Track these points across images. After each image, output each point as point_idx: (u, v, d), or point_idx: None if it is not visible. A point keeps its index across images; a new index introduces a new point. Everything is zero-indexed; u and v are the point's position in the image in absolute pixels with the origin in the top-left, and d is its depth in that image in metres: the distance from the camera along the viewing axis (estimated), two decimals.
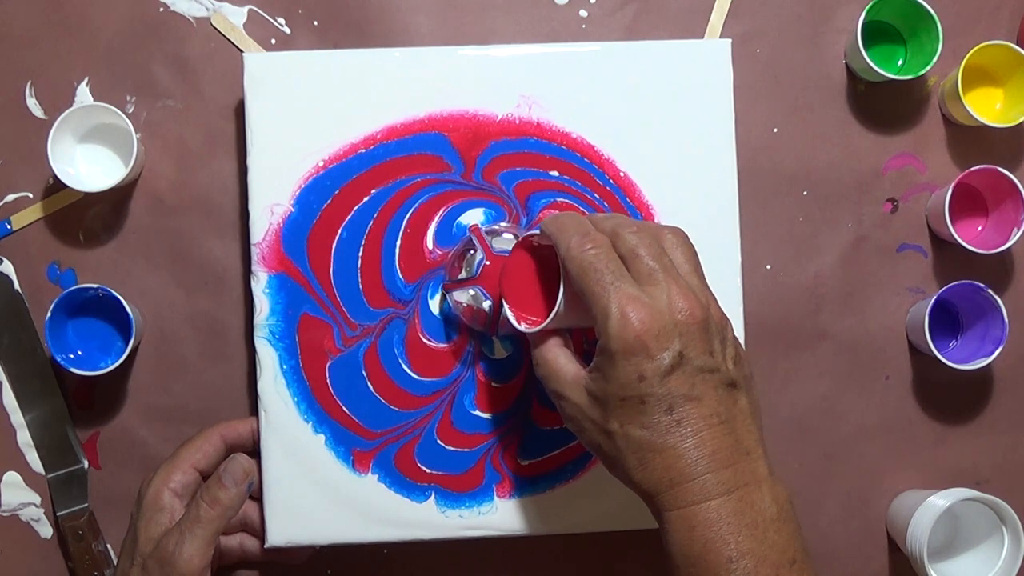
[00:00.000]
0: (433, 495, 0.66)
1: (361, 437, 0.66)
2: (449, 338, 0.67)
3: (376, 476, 0.66)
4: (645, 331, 0.49)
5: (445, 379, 0.67)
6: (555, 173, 0.67)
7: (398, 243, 0.67)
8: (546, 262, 0.57)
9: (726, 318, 0.53)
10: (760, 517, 0.49)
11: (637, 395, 0.49)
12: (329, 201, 0.66)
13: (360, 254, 0.67)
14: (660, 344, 0.49)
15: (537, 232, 0.56)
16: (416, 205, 0.67)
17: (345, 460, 0.66)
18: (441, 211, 0.67)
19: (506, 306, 0.58)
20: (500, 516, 0.66)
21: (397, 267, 0.67)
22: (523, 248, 0.58)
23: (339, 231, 0.66)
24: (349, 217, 0.67)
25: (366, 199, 0.67)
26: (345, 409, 0.66)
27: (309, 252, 0.66)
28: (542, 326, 0.55)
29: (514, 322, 0.57)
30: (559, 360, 0.55)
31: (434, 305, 0.67)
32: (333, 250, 0.66)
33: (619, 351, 0.49)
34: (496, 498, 0.66)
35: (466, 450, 0.66)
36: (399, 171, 0.67)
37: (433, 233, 0.67)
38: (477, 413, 0.67)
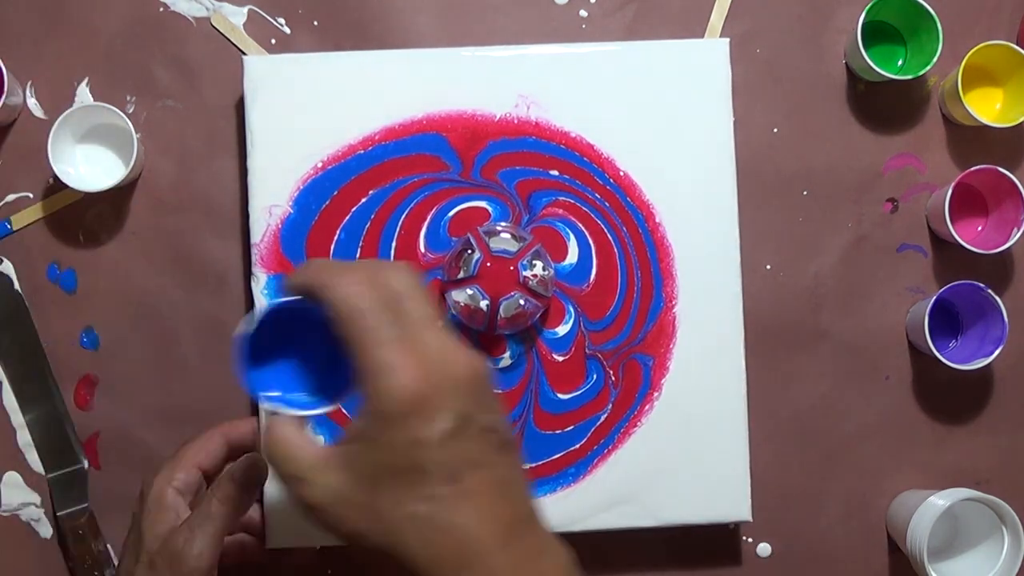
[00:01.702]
0: None
1: None
2: None
3: None
4: (422, 389, 0.42)
5: None
6: (555, 172, 0.67)
7: (393, 244, 0.67)
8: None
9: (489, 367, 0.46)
10: None
11: (413, 464, 0.42)
12: (328, 202, 0.67)
13: (358, 256, 0.67)
14: (439, 404, 0.42)
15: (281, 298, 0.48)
16: (412, 205, 0.67)
17: None
18: (434, 209, 0.67)
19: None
20: None
21: None
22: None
23: (337, 232, 0.66)
24: (347, 218, 0.67)
25: (364, 200, 0.67)
26: (344, 410, 0.66)
27: (308, 253, 0.66)
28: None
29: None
30: (296, 439, 0.45)
31: None
32: (332, 251, 0.66)
33: (391, 413, 0.42)
34: None
35: None
36: (397, 171, 0.67)
37: (424, 235, 0.67)
38: None
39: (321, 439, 0.47)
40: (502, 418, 0.45)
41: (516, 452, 0.45)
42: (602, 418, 0.67)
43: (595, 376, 0.67)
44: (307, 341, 0.48)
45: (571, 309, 0.67)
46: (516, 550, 0.43)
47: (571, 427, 0.67)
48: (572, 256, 0.67)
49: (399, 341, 0.42)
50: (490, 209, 0.67)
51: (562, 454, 0.67)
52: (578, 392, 0.67)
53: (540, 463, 0.67)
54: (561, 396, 0.67)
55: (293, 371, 0.49)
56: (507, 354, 0.67)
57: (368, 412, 0.43)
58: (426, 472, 0.42)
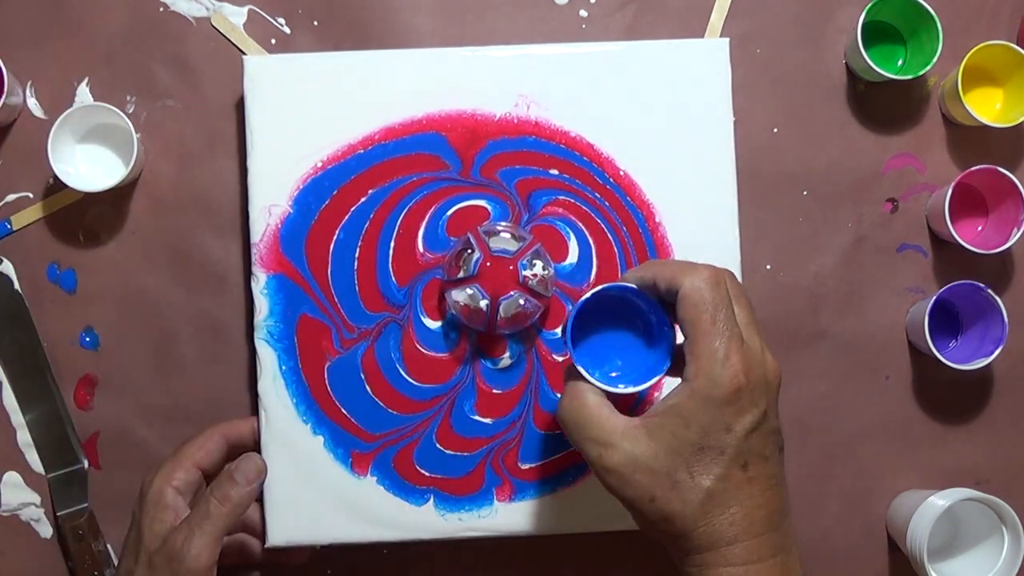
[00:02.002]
0: (432, 498, 0.66)
1: (360, 439, 0.66)
2: (448, 339, 0.67)
3: (375, 478, 0.66)
4: (746, 384, 0.48)
5: (444, 385, 0.67)
6: (555, 171, 0.67)
7: (392, 244, 0.67)
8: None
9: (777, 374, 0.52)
10: None
11: (718, 446, 0.48)
12: (327, 202, 0.67)
13: (356, 255, 0.67)
14: (754, 400, 0.49)
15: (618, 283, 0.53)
16: (411, 204, 0.67)
17: (344, 462, 0.66)
18: (433, 208, 0.67)
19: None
20: (500, 520, 0.66)
21: (391, 269, 0.67)
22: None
23: (336, 232, 0.67)
24: (346, 218, 0.67)
25: (363, 199, 0.67)
26: (344, 411, 0.66)
27: (307, 253, 0.66)
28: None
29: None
30: (602, 408, 0.51)
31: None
32: (331, 251, 0.66)
33: (716, 398, 0.48)
34: (496, 501, 0.66)
35: (466, 454, 0.66)
36: (396, 171, 0.67)
37: (423, 234, 0.67)
38: (477, 418, 0.67)
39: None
40: (780, 422, 0.51)
41: (783, 454, 0.52)
42: None
43: None
44: (616, 328, 0.55)
45: (568, 306, 0.67)
46: (776, 537, 0.50)
47: None
48: (572, 256, 0.67)
49: (733, 337, 0.49)
50: (489, 208, 0.67)
51: (562, 454, 0.67)
52: None
53: (540, 463, 0.67)
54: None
55: (600, 350, 0.55)
56: (507, 354, 0.67)
57: (692, 392, 0.49)
58: (725, 455, 0.48)
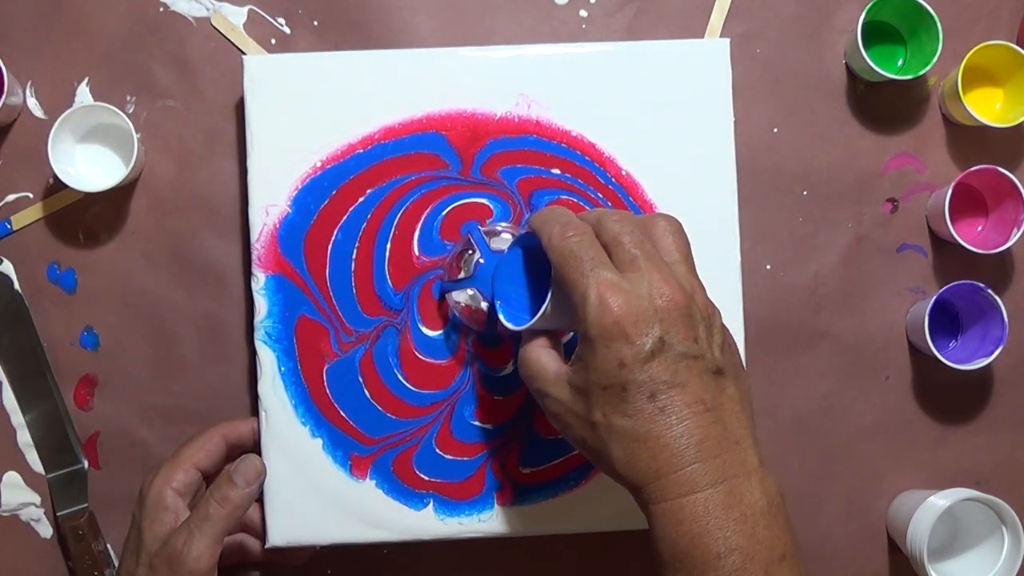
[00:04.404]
0: (432, 503, 0.66)
1: (359, 442, 0.66)
2: (448, 341, 0.66)
3: (374, 482, 0.66)
4: (624, 316, 0.48)
5: (443, 391, 0.66)
6: (557, 171, 0.67)
7: (388, 245, 0.67)
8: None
9: (713, 306, 0.52)
10: (749, 511, 0.48)
11: (618, 382, 0.49)
12: (326, 202, 0.66)
13: (354, 256, 0.66)
14: (640, 330, 0.48)
15: (525, 229, 0.56)
16: (409, 202, 0.67)
17: (343, 465, 0.66)
18: (431, 206, 0.67)
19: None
20: (500, 524, 0.66)
21: (387, 271, 0.66)
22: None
23: (334, 232, 0.66)
24: (344, 218, 0.66)
25: (361, 199, 0.67)
26: (343, 414, 0.66)
27: (306, 254, 0.66)
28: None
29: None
30: (542, 359, 0.54)
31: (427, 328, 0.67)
32: (329, 252, 0.66)
33: (598, 337, 0.49)
34: (496, 506, 0.66)
35: (466, 458, 0.66)
36: (395, 170, 0.67)
37: (421, 231, 0.67)
38: (477, 424, 0.66)
39: (556, 358, 0.54)
40: (710, 348, 0.50)
41: (726, 379, 0.51)
42: None
43: None
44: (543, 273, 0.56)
45: None
46: (715, 465, 0.48)
47: None
48: None
49: (599, 281, 0.49)
50: (491, 206, 0.67)
51: (564, 458, 0.67)
52: None
53: (541, 467, 0.67)
54: None
55: (536, 295, 0.58)
56: (510, 363, 0.67)
57: (582, 337, 0.50)
58: (627, 390, 0.48)
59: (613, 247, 0.51)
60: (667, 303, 0.49)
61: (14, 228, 0.72)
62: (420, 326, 0.66)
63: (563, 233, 0.51)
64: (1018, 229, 0.69)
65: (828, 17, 0.74)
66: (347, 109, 0.67)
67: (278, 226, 0.66)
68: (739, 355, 0.53)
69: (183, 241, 0.72)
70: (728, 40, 0.69)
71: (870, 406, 0.73)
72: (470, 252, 0.64)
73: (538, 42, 0.73)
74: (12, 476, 0.71)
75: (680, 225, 0.54)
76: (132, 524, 0.63)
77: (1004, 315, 0.69)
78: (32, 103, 0.72)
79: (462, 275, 0.63)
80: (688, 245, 0.54)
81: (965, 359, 0.70)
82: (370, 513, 0.66)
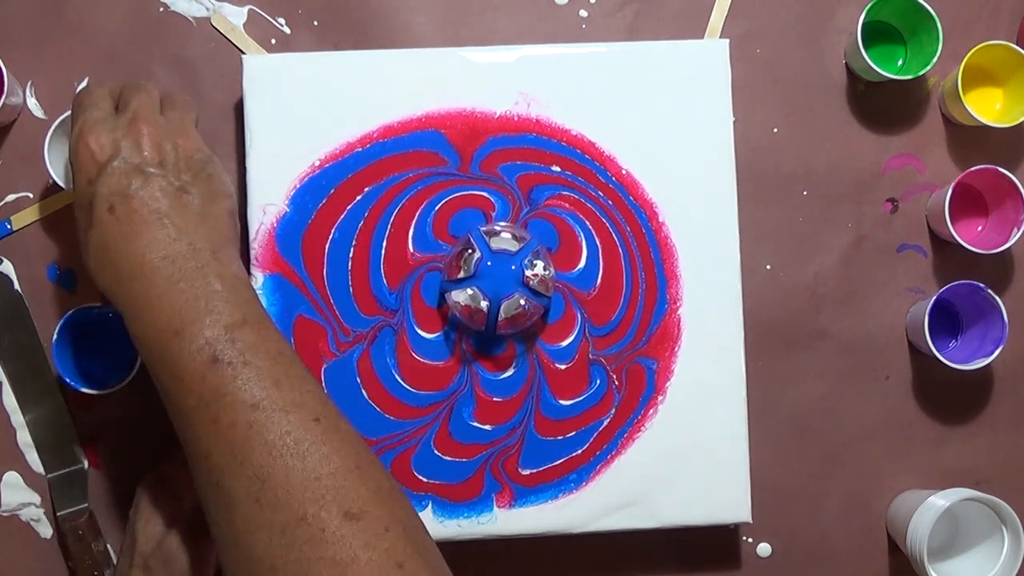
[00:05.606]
0: (430, 504, 0.66)
1: None
2: (448, 340, 0.66)
3: None
4: (92, 140, 0.54)
5: (441, 392, 0.66)
6: (556, 168, 0.67)
7: (384, 243, 0.67)
8: None
9: (208, 157, 0.58)
10: (204, 291, 0.52)
11: (88, 199, 0.54)
12: (324, 201, 0.66)
13: (351, 255, 0.66)
14: (102, 150, 0.54)
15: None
16: (406, 199, 0.67)
17: None
18: (425, 202, 0.67)
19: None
20: (499, 526, 0.66)
21: (382, 269, 0.66)
22: None
23: (332, 231, 0.66)
24: (342, 217, 0.66)
25: (359, 197, 0.67)
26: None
27: (304, 253, 0.66)
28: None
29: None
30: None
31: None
32: (326, 251, 0.66)
33: (75, 162, 0.55)
34: (496, 508, 0.66)
35: (465, 460, 0.66)
36: (394, 168, 0.67)
37: (415, 227, 0.67)
38: (476, 425, 0.66)
39: None
40: (176, 169, 0.56)
41: (190, 195, 0.55)
42: (604, 423, 0.67)
43: (598, 381, 0.67)
44: None
45: (579, 315, 0.67)
46: (177, 268, 0.52)
47: (573, 433, 0.67)
48: (582, 260, 0.67)
49: (90, 116, 0.56)
50: (491, 199, 0.67)
51: (563, 460, 0.67)
52: (580, 398, 0.67)
53: (541, 469, 0.66)
54: (563, 402, 0.67)
55: None
56: (510, 366, 0.67)
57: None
58: (93, 204, 0.53)
59: (121, 102, 0.58)
60: (136, 132, 0.55)
61: (14, 228, 0.72)
62: (416, 328, 0.66)
63: (78, 94, 0.58)
64: (1018, 229, 0.69)
65: (828, 17, 0.74)
66: (346, 108, 0.67)
67: (276, 225, 0.66)
68: (225, 193, 0.57)
69: None
70: (728, 40, 0.69)
71: (870, 406, 0.73)
72: (470, 251, 0.64)
73: (538, 42, 0.73)
74: (12, 476, 0.71)
75: (191, 101, 0.61)
76: (127, 526, 0.63)
77: (1004, 315, 0.69)
78: (32, 103, 0.72)
79: (462, 274, 0.63)
80: (191, 111, 0.60)
81: (965, 359, 0.70)
82: None
